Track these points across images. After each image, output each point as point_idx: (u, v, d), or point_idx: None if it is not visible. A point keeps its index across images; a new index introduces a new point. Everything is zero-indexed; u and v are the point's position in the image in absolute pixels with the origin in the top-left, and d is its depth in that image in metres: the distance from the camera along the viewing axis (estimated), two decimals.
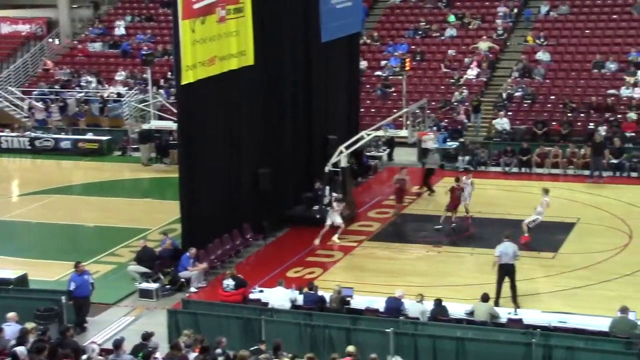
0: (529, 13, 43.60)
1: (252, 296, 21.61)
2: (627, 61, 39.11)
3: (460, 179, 28.13)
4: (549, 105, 38.12)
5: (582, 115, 36.88)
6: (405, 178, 29.52)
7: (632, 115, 35.80)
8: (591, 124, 35.93)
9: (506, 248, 21.57)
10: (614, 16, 42.09)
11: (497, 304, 20.89)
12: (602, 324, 18.92)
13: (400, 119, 34.60)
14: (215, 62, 24.71)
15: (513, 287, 21.46)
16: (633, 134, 35.07)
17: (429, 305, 20.08)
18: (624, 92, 37.41)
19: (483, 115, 38.46)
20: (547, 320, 19.52)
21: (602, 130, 34.96)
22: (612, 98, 37.17)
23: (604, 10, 42.50)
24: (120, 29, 48.36)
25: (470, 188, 27.89)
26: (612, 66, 39.02)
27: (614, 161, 32.87)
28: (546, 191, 26.16)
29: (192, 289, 23.24)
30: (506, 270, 21.45)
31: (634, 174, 32.69)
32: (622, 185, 31.78)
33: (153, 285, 23.11)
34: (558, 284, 23.19)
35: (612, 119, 35.98)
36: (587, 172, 32.80)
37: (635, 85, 37.55)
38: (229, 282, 21.65)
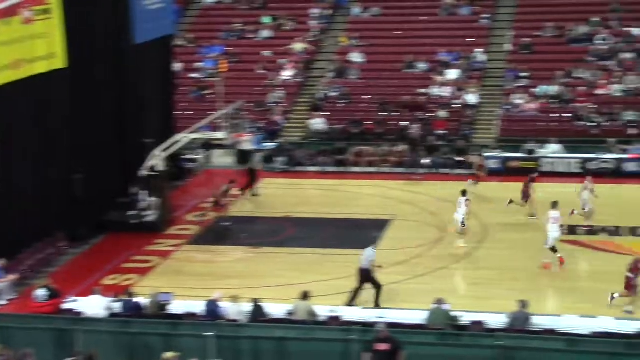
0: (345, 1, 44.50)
1: (65, 306, 20.82)
2: (437, 61, 40.37)
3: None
4: (364, 105, 38.84)
5: (395, 114, 37.77)
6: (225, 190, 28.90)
7: (442, 113, 36.97)
8: (404, 122, 36.86)
9: (364, 253, 21.89)
10: (423, 17, 43.35)
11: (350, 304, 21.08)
12: (419, 317, 19.35)
13: (217, 121, 34.35)
14: (22, 66, 23.78)
15: (376, 289, 21.54)
16: (444, 132, 36.20)
17: (247, 307, 19.96)
18: (434, 91, 38.59)
19: (298, 115, 38.82)
20: (366, 317, 19.75)
21: (416, 128, 35.97)
22: (423, 97, 38.28)
23: (413, 12, 43.68)
24: None
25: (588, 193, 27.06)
26: (422, 66, 40.17)
27: (426, 159, 33.83)
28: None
29: (2, 302, 22.20)
30: (361, 275, 21.59)
31: (445, 170, 33.75)
32: (435, 181, 32.71)
33: None
34: None
35: (423, 117, 37.04)
36: (401, 170, 33.66)
37: (444, 84, 38.80)
38: (41, 293, 20.79)
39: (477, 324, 19.05)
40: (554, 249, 23.97)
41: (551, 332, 18.73)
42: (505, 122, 36.79)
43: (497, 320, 19.21)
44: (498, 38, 41.67)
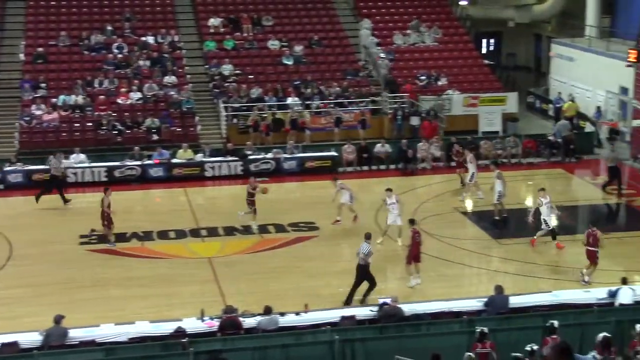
0: None
1: None
2: None
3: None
4: None
5: None
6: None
7: None
8: None
9: (360, 248, 21.43)
10: None
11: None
12: None
13: None
14: None
15: (370, 285, 21.27)
16: None
17: None
18: None
19: None
20: None
21: None
22: None
23: None
24: None
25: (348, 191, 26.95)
26: None
27: None
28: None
29: None
30: (359, 271, 21.28)
31: None
32: None
33: None
34: None
35: None
36: None
37: None
38: None
39: (10, 345, 17.89)
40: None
41: (91, 343, 18.23)
42: (26, 134, 35.40)
43: (32, 339, 18.23)
44: (10, 48, 40.04)
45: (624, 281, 20.80)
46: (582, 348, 17.69)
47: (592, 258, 22.60)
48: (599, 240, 22.53)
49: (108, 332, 18.81)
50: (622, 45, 38.21)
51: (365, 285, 21.38)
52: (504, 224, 27.48)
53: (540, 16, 48.99)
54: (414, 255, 22.49)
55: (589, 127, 37.80)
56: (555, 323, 17.65)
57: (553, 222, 25.13)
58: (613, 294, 20.43)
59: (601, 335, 17.04)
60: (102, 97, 37.33)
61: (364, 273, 21.29)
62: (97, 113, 36.49)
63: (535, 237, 25.14)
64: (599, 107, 37.86)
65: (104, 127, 35.72)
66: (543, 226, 25.03)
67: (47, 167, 31.02)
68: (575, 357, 8.63)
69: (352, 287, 21.29)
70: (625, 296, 20.23)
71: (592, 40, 40.88)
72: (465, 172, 30.52)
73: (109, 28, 40.97)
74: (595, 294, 20.78)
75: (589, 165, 35.33)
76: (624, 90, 36.49)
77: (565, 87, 41.31)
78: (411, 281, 22.46)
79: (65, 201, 29.74)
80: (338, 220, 26.89)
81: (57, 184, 30.19)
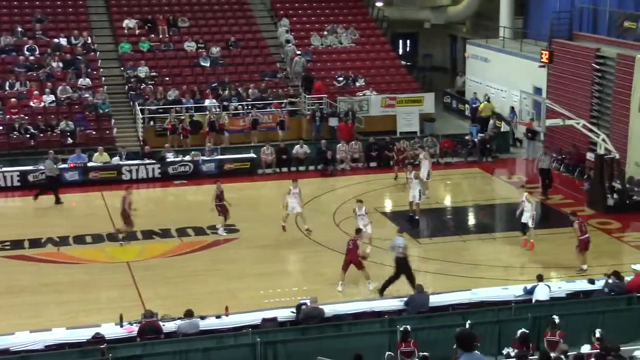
0: None
1: None
2: None
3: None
4: None
5: None
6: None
7: None
8: None
9: (394, 242, 21.90)
10: None
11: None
12: None
13: None
14: None
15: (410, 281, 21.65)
16: None
17: None
18: None
19: None
20: None
21: None
22: None
23: None
24: None
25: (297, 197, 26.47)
26: None
27: None
28: None
29: None
30: (398, 264, 21.69)
31: None
32: None
33: None
34: None
35: None
36: None
37: None
38: None
39: None
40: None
41: (6, 351, 17.82)
42: None
43: None
44: None
45: (540, 278, 21.16)
46: (501, 344, 17.96)
47: (588, 245, 23.61)
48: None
49: (23, 340, 18.39)
50: (535, 46, 38.87)
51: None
52: (413, 224, 27.72)
53: (455, 17, 49.59)
54: (354, 262, 22.38)
55: (504, 127, 38.40)
56: (467, 323, 17.84)
57: (525, 219, 25.48)
58: (529, 291, 20.76)
59: (519, 331, 17.31)
60: (13, 100, 36.41)
61: (403, 266, 21.74)
62: (8, 117, 35.62)
63: (531, 240, 25.52)
64: (512, 107, 38.44)
65: (17, 131, 34.92)
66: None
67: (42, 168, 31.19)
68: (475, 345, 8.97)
69: (389, 278, 21.77)
70: (541, 293, 20.56)
71: (506, 41, 41.52)
72: (404, 170, 30.94)
73: (19, 29, 40.07)
74: (513, 292, 21.10)
75: (505, 165, 35.89)
76: (538, 90, 37.09)
77: (480, 87, 41.89)
78: (339, 286, 22.42)
79: (58, 202, 29.97)
80: (308, 229, 26.51)
81: (53, 185, 30.33)
